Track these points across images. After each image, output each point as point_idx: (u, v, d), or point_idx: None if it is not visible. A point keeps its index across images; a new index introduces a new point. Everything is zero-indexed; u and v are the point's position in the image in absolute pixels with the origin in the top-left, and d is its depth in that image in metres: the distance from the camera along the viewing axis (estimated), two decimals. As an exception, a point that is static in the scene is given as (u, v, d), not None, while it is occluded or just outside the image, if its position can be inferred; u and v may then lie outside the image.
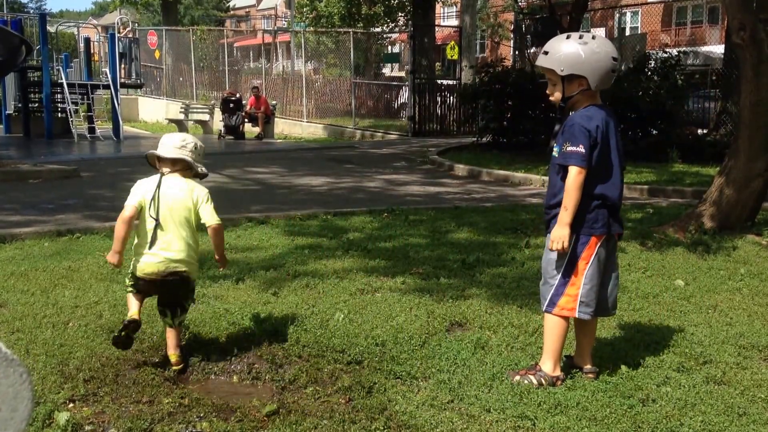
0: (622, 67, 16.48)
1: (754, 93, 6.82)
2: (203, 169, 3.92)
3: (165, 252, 3.74)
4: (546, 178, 11.78)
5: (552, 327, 3.60)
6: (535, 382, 3.52)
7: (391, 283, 5.35)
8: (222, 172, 12.70)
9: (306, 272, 5.59)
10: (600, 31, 34.19)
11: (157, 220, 3.73)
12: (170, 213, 3.76)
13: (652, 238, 6.80)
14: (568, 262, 3.51)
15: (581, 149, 3.40)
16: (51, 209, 8.75)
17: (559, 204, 3.50)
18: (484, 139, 16.66)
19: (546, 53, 3.50)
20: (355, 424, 3.15)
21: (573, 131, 3.44)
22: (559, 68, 3.46)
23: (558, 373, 3.58)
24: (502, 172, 12.70)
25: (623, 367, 3.75)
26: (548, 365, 3.57)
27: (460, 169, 13.49)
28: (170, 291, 3.81)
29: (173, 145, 3.85)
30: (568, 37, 3.51)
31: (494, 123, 15.99)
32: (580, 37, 3.48)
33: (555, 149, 3.57)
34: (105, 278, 5.39)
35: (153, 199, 3.75)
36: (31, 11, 65.19)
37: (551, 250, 3.50)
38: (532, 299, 4.90)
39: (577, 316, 3.53)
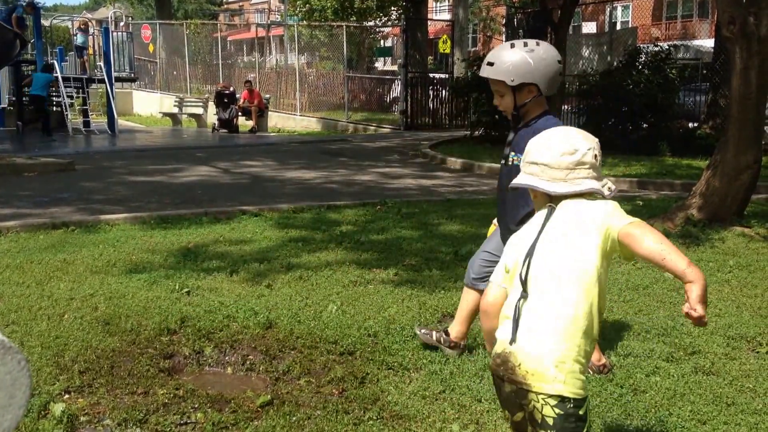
0: (615, 62, 16.57)
1: (744, 86, 6.86)
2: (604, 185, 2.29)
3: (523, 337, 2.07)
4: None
5: None
6: None
7: (383, 274, 5.39)
8: (216, 165, 12.70)
9: (299, 264, 5.63)
10: (591, 26, 34.21)
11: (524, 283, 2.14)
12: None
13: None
14: None
15: None
16: (46, 202, 8.75)
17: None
18: (477, 132, 16.68)
19: (491, 64, 3.41)
20: (348, 414, 3.19)
21: None
22: (509, 78, 3.38)
23: (604, 361, 3.69)
24: (495, 165, 12.73)
25: (613, 357, 3.80)
26: (594, 354, 3.66)
27: (453, 162, 13.52)
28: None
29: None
30: (512, 46, 3.42)
31: (486, 116, 16.00)
32: (525, 44, 3.39)
33: (514, 157, 3.45)
34: (100, 271, 5.41)
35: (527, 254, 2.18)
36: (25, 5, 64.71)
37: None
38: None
39: None
